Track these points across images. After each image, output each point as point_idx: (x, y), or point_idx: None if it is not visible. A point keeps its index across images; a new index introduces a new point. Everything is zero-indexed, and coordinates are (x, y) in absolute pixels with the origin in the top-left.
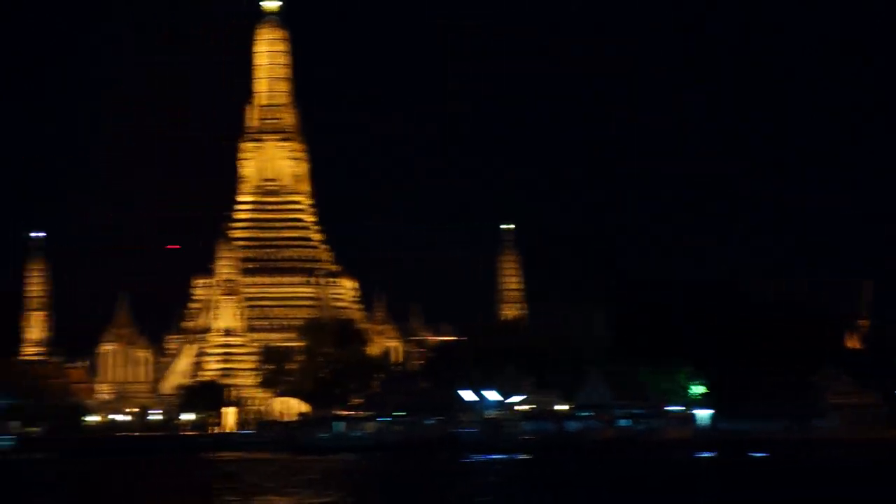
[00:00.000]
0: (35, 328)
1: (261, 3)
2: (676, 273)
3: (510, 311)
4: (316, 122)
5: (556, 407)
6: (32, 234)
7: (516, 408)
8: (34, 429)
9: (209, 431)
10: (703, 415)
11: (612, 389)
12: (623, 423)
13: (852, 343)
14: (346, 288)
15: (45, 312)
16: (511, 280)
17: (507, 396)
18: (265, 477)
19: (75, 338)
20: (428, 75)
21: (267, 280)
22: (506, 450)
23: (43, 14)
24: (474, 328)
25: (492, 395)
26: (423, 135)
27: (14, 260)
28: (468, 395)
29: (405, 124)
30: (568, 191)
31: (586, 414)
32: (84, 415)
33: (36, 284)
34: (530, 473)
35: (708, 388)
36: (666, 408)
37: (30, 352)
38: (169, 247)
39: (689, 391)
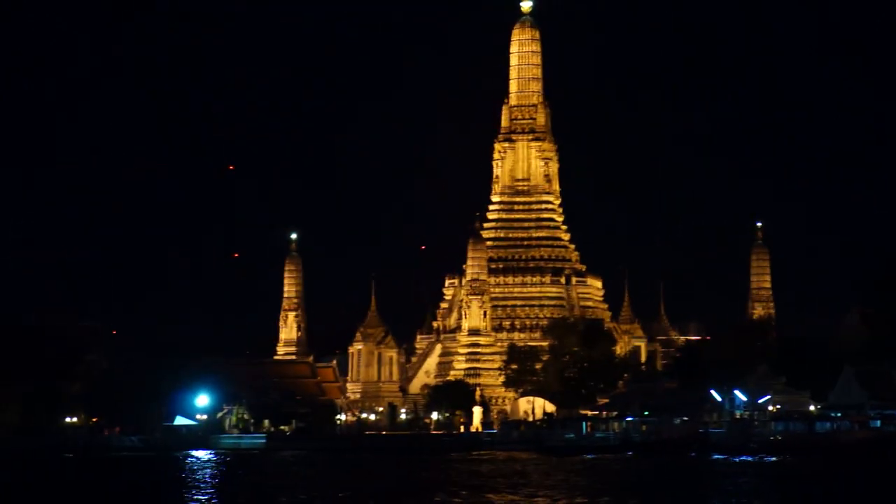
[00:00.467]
0: (289, 328)
1: (520, 4)
2: None
3: (760, 310)
4: (564, 120)
5: (808, 407)
6: (291, 235)
7: (767, 408)
8: (286, 427)
9: (456, 431)
10: None
11: (866, 389)
12: (875, 424)
13: None
14: (593, 287)
15: (298, 312)
16: (762, 278)
17: (756, 396)
18: (514, 476)
19: (326, 337)
20: None
21: (514, 279)
22: (755, 450)
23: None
24: (722, 327)
25: (741, 395)
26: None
27: (273, 260)
28: (716, 395)
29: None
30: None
31: (837, 414)
32: (335, 413)
33: (291, 284)
34: (781, 475)
35: None
36: None
37: (283, 351)
38: (422, 248)
39: None
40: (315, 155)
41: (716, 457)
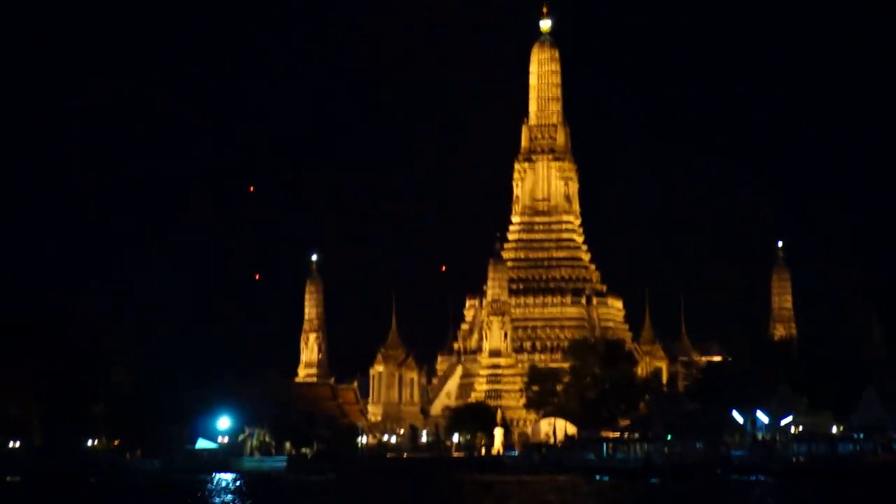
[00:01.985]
0: (310, 350)
1: (539, 23)
2: None
3: (781, 330)
4: (584, 141)
5: (832, 428)
6: (312, 256)
7: (789, 430)
8: (307, 450)
9: (477, 452)
10: None
11: (888, 410)
12: None
13: None
14: (614, 308)
15: (319, 333)
16: (783, 298)
17: (778, 417)
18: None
19: (347, 359)
20: None
21: (535, 300)
22: (777, 472)
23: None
24: (744, 348)
25: (763, 417)
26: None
27: (293, 280)
28: (738, 417)
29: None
30: None
31: (860, 436)
32: (356, 436)
33: (312, 306)
34: (803, 496)
35: None
36: None
37: (304, 373)
38: (442, 268)
39: None
40: (331, 175)
41: (738, 479)
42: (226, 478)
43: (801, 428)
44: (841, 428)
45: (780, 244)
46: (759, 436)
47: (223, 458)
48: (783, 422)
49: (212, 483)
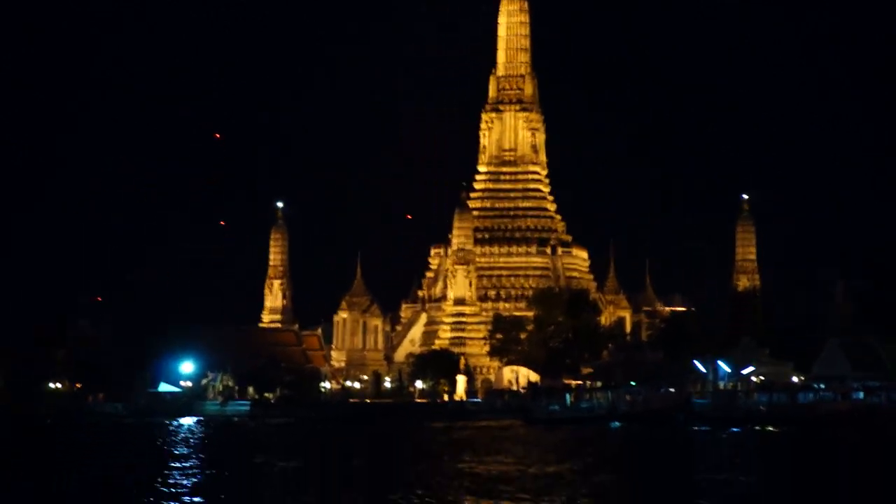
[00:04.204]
0: (274, 296)
1: None
2: None
3: (745, 281)
4: (550, 92)
5: (792, 378)
6: (277, 204)
7: (751, 379)
8: (270, 395)
9: (440, 399)
10: None
11: (849, 361)
12: (858, 395)
13: None
14: (579, 258)
15: (283, 280)
16: (747, 250)
17: (740, 367)
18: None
19: (312, 306)
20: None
21: (500, 249)
22: (738, 421)
23: None
24: (707, 298)
25: (724, 366)
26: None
27: (261, 229)
28: (700, 366)
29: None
30: None
31: (821, 386)
32: (320, 381)
33: (277, 253)
34: (764, 445)
35: None
36: None
37: (268, 319)
38: (407, 217)
39: None
40: (296, 125)
41: (700, 427)
42: (188, 421)
43: (762, 378)
44: (802, 378)
45: (744, 197)
46: (721, 385)
47: (186, 402)
48: (745, 371)
49: (173, 426)
